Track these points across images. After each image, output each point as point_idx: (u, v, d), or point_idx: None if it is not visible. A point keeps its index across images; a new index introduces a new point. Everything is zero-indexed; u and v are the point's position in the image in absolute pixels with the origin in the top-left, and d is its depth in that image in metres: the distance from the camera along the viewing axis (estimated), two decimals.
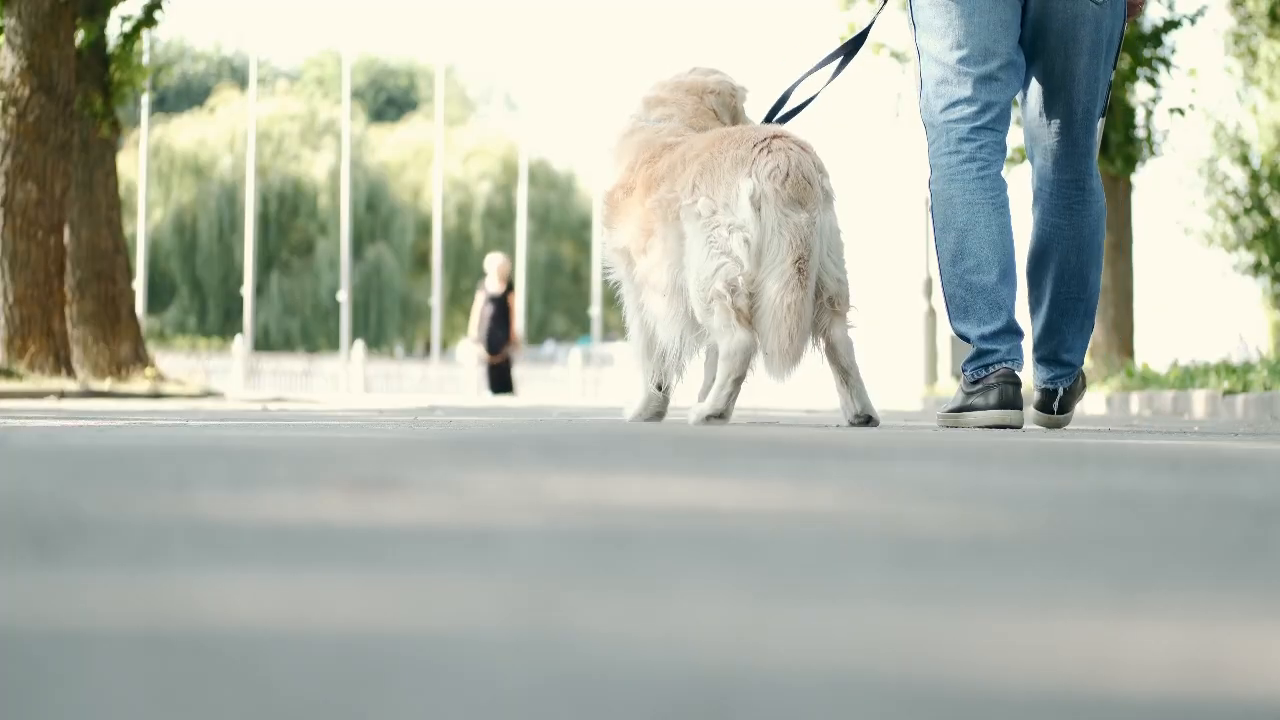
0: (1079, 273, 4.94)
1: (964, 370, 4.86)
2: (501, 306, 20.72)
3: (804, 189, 4.27)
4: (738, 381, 4.44)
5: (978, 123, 4.79)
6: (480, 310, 20.89)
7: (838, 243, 4.45)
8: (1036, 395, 5.02)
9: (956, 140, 4.79)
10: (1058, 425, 4.99)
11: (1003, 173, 4.81)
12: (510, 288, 20.94)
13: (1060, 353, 4.98)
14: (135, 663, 0.87)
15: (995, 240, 4.73)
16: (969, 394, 4.78)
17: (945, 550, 1.42)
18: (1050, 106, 4.91)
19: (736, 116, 4.86)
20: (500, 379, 20.89)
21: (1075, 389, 5.02)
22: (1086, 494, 2.08)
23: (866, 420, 4.60)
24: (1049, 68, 4.87)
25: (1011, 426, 4.67)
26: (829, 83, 5.05)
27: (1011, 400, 4.70)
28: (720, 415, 4.48)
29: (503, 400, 17.35)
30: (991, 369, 4.73)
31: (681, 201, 4.39)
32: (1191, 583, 1.25)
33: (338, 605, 1.07)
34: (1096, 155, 4.97)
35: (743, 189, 4.26)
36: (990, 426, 4.63)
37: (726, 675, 0.85)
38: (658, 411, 4.83)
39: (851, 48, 5.09)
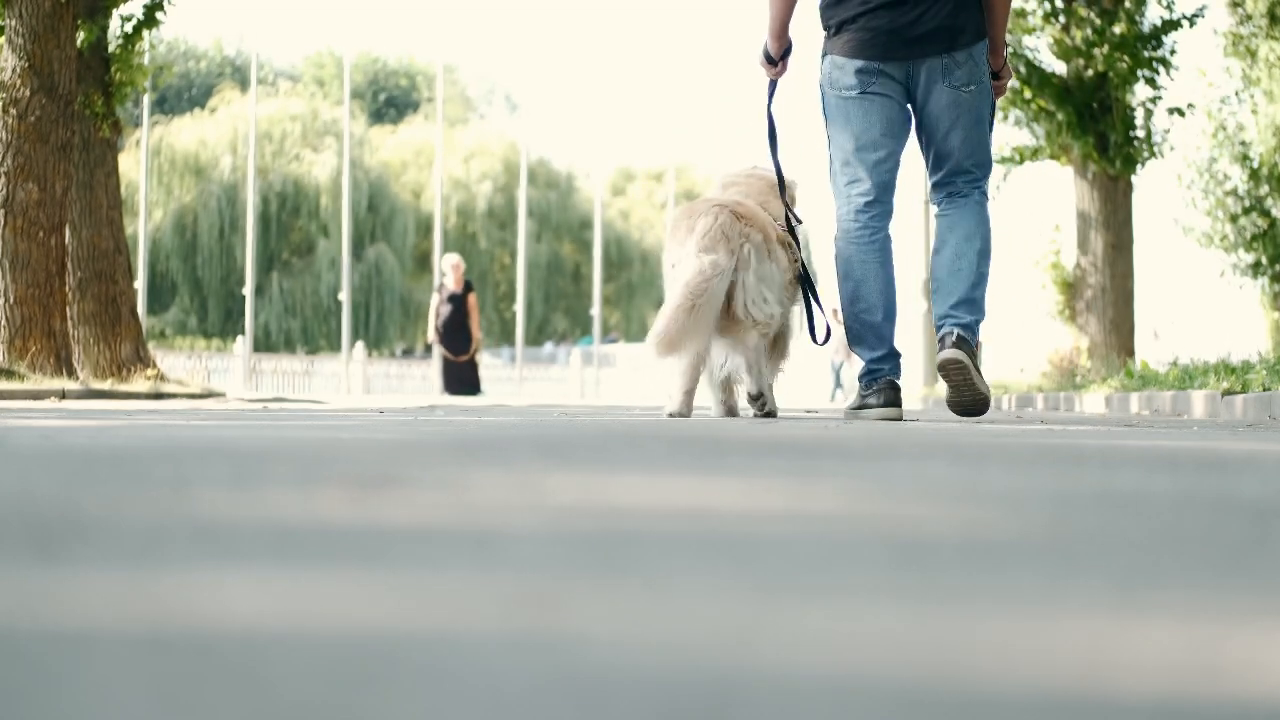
0: (966, 253, 6.38)
1: (859, 381, 6.41)
2: (460, 306, 20.80)
3: (716, 240, 5.83)
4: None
5: (870, 197, 6.38)
6: (436, 310, 21.01)
7: (760, 286, 5.95)
8: (939, 344, 6.37)
9: (855, 211, 6.39)
10: (955, 361, 6.23)
11: (890, 229, 6.42)
12: (469, 288, 21.00)
13: (953, 310, 6.32)
14: (135, 663, 0.87)
15: (881, 290, 6.35)
16: (864, 396, 6.34)
17: (945, 550, 1.42)
18: (940, 164, 6.47)
19: (793, 202, 6.51)
20: (465, 379, 21.02)
21: (969, 338, 6.33)
22: (1086, 494, 2.08)
23: (759, 397, 6.23)
24: (934, 139, 6.43)
25: (893, 419, 6.13)
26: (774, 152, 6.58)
27: (894, 401, 6.29)
28: (681, 413, 6.11)
29: (485, 401, 17.39)
30: (878, 380, 6.32)
31: (665, 255, 6.23)
32: (1191, 582, 1.25)
33: (338, 605, 1.07)
34: (987, 192, 6.50)
35: (685, 247, 5.91)
36: (879, 419, 6.10)
37: (727, 676, 0.85)
38: (730, 410, 6.45)
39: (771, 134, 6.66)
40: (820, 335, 6.42)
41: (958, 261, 6.39)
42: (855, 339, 6.39)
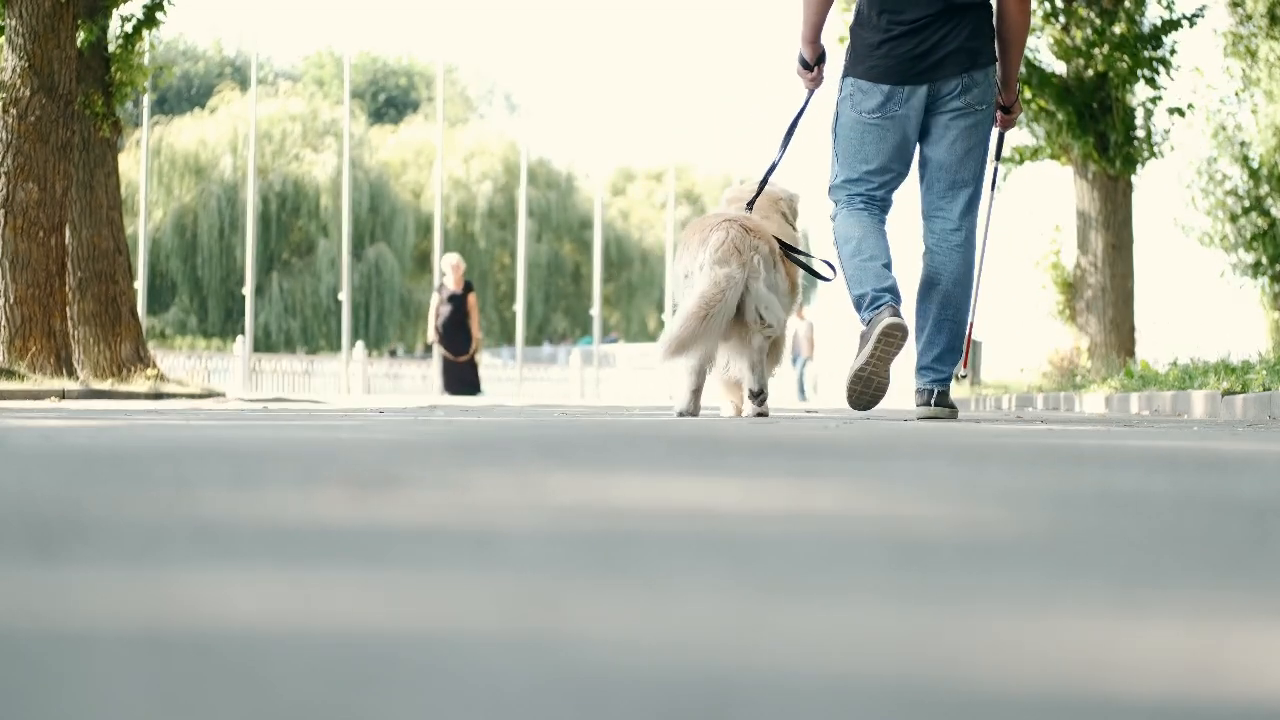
0: (956, 300, 6.66)
1: (861, 315, 6.46)
2: (460, 306, 20.82)
3: (729, 254, 6.16)
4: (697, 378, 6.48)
5: (870, 198, 6.62)
6: (436, 310, 21.04)
7: (769, 294, 6.29)
8: (918, 396, 6.65)
9: (857, 203, 6.63)
10: (937, 417, 6.53)
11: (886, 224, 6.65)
12: (469, 288, 21.02)
13: (935, 364, 6.62)
14: (135, 663, 0.87)
15: (882, 246, 6.55)
16: (867, 325, 6.35)
17: (945, 550, 1.42)
18: (941, 186, 6.66)
19: (795, 215, 6.92)
20: (466, 379, 21.06)
21: (948, 392, 6.67)
22: (1086, 494, 2.08)
23: (759, 393, 6.45)
24: (940, 160, 6.64)
25: (899, 334, 6.31)
26: (785, 146, 6.92)
27: (897, 314, 6.33)
28: (690, 412, 6.44)
29: (485, 401, 17.40)
30: (879, 306, 6.37)
31: (676, 264, 6.52)
32: (1191, 582, 1.25)
33: (338, 605, 1.07)
34: (976, 220, 6.71)
35: (698, 259, 6.23)
36: (886, 330, 6.26)
37: (727, 676, 0.85)
38: (739, 410, 6.76)
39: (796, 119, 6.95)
40: (826, 272, 6.66)
41: (946, 308, 6.65)
42: (856, 282, 6.49)
